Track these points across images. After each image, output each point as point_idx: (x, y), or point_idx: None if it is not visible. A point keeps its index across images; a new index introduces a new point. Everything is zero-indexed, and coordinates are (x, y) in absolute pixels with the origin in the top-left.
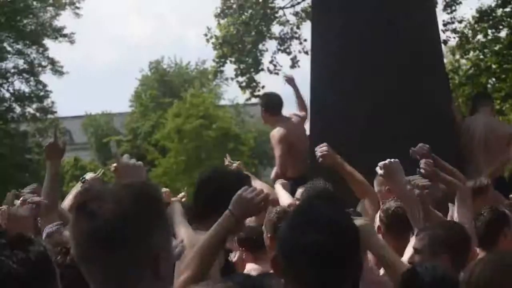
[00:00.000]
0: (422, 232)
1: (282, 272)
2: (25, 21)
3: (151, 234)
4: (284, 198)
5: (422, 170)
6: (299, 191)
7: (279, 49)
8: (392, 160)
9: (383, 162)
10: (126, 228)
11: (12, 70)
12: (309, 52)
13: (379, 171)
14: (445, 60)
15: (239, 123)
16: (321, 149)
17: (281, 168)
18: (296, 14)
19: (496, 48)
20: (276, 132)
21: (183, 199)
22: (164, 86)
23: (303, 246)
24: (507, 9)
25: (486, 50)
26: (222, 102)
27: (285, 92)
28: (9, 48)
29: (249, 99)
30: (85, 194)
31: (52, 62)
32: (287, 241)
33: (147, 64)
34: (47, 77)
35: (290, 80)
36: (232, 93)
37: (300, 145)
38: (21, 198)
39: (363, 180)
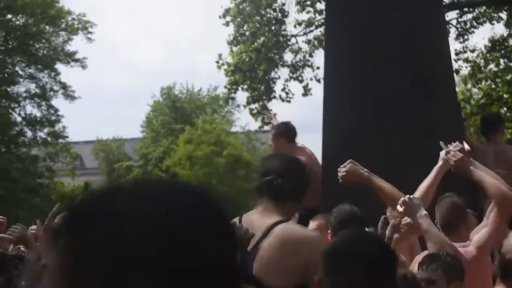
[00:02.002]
0: (433, 263)
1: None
2: (37, 46)
3: None
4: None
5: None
6: (312, 223)
7: (291, 77)
8: (411, 196)
9: (403, 199)
10: None
11: (24, 94)
12: (321, 80)
13: (400, 208)
14: (457, 89)
15: (250, 150)
16: (342, 169)
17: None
18: (308, 42)
19: (508, 77)
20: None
21: None
22: (175, 112)
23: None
24: None
25: (498, 80)
26: (234, 129)
27: (297, 120)
28: (21, 72)
29: (261, 126)
30: None
31: (64, 86)
32: (338, 250)
33: (158, 90)
34: (58, 102)
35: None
36: (243, 119)
37: (316, 174)
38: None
39: (394, 192)
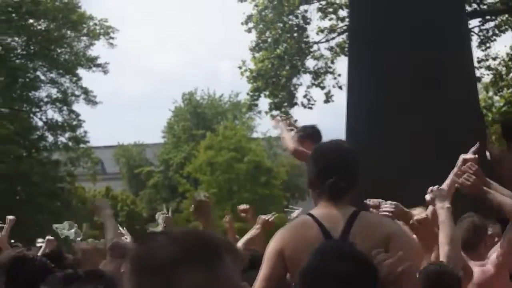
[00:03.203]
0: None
1: None
2: (59, 51)
3: None
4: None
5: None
6: None
7: (313, 84)
8: (440, 187)
9: (432, 187)
10: None
11: (45, 99)
12: (343, 87)
13: (427, 196)
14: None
15: (271, 156)
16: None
17: None
18: (330, 49)
19: None
20: None
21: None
22: (197, 118)
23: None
24: None
25: None
26: (255, 135)
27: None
28: (42, 77)
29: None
30: (139, 246)
31: (86, 91)
32: (314, 270)
33: (179, 96)
34: (80, 107)
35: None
36: (264, 126)
37: None
38: None
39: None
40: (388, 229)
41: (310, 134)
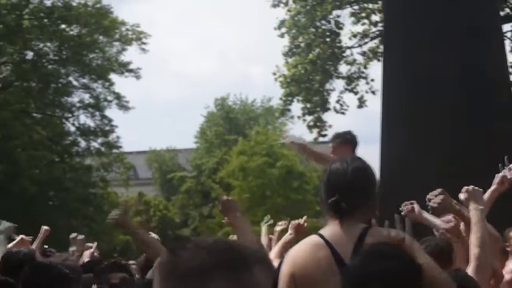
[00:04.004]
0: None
1: None
2: (91, 56)
3: None
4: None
5: None
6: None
7: (346, 89)
8: (477, 188)
9: (467, 187)
10: None
11: (78, 105)
12: (376, 92)
13: (462, 196)
14: None
15: (303, 162)
16: (434, 201)
17: None
18: (363, 53)
19: None
20: None
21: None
22: (229, 123)
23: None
24: None
25: None
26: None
27: (355, 132)
28: (75, 83)
29: (316, 138)
30: (168, 253)
31: (118, 97)
32: (357, 269)
33: (211, 101)
34: (112, 112)
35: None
36: (297, 130)
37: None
38: None
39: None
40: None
41: (349, 140)
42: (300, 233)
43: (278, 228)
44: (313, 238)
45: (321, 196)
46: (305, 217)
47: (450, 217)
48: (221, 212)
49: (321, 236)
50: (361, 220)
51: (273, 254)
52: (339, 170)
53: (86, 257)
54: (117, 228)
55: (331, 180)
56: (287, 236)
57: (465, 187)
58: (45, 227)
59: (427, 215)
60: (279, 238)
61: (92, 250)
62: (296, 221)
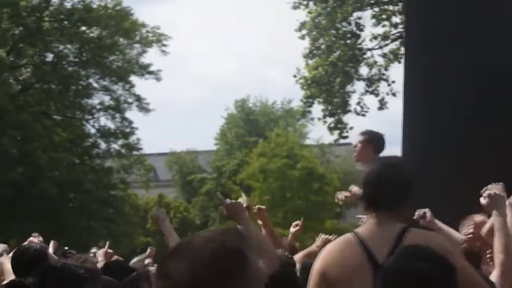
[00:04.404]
0: None
1: None
2: (111, 58)
3: None
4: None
5: None
6: None
7: (366, 91)
8: (499, 193)
9: (489, 192)
10: None
11: (98, 106)
12: (397, 94)
13: (483, 200)
14: None
15: (324, 163)
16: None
17: None
18: (384, 55)
19: None
20: None
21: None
22: (249, 125)
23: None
24: None
25: None
26: (307, 142)
27: None
28: (95, 85)
29: (337, 140)
30: (169, 249)
31: (138, 99)
32: (391, 270)
33: (231, 103)
34: (132, 114)
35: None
36: (317, 132)
37: None
38: None
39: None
40: (440, 250)
41: (374, 139)
42: None
43: (292, 229)
44: (347, 236)
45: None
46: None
47: (473, 220)
48: (227, 215)
49: (356, 234)
50: (400, 219)
51: (296, 258)
52: (375, 166)
53: (99, 256)
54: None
55: (368, 176)
56: (314, 247)
57: (487, 192)
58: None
59: (441, 225)
60: (293, 238)
61: (105, 249)
62: (327, 237)
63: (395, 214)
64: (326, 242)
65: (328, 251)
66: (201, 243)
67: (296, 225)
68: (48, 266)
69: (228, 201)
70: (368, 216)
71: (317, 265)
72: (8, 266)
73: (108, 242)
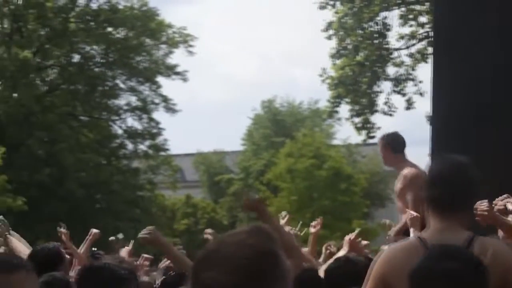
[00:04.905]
0: None
1: None
2: (138, 59)
3: None
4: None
5: None
6: None
7: (394, 90)
8: None
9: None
10: None
11: (125, 107)
12: (424, 94)
13: (510, 206)
14: None
15: (351, 163)
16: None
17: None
18: (411, 55)
19: None
20: (409, 172)
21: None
22: (276, 125)
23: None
24: None
25: None
26: (334, 142)
27: (402, 135)
28: (122, 85)
29: (365, 140)
30: (199, 257)
31: (165, 99)
32: (420, 270)
33: (258, 103)
34: (159, 115)
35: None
36: (344, 132)
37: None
38: None
39: None
40: (507, 261)
41: (389, 142)
42: (356, 249)
43: (312, 230)
44: (412, 241)
45: (424, 196)
46: (356, 231)
47: None
48: (244, 209)
49: (421, 239)
50: (464, 222)
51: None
52: (440, 165)
53: (123, 254)
54: (148, 245)
55: (433, 175)
56: (341, 252)
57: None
58: (94, 230)
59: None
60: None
61: (129, 247)
62: (348, 237)
63: (461, 217)
64: (353, 245)
65: (390, 255)
66: (234, 249)
67: (315, 226)
68: (88, 266)
69: (251, 198)
70: (432, 220)
71: (378, 269)
72: (16, 244)
73: (132, 241)
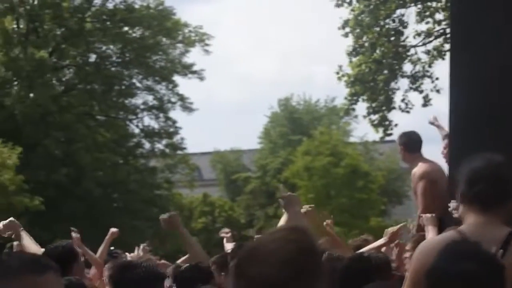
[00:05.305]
0: None
1: None
2: (154, 58)
3: None
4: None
5: None
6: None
7: (410, 88)
8: None
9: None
10: None
11: (142, 106)
12: (441, 91)
13: None
14: None
15: (368, 161)
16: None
17: (425, 207)
18: (428, 52)
19: None
20: (418, 169)
21: None
22: (293, 123)
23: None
24: None
25: None
26: (351, 140)
27: (419, 132)
28: (138, 84)
29: (382, 137)
30: (241, 252)
31: (182, 98)
32: (437, 271)
33: (274, 101)
34: (176, 113)
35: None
36: (361, 130)
37: (444, 183)
38: None
39: None
40: None
41: (402, 142)
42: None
43: (330, 230)
44: (452, 234)
45: (460, 191)
46: (401, 225)
47: None
48: (284, 206)
49: (461, 232)
50: (503, 218)
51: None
52: (482, 161)
53: (141, 252)
54: (167, 228)
55: (473, 173)
56: (381, 241)
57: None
58: (113, 229)
59: None
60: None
61: (145, 244)
62: (391, 229)
63: (500, 213)
64: (393, 237)
65: (428, 249)
66: (277, 244)
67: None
68: (123, 263)
69: (288, 193)
70: (472, 216)
71: (416, 263)
72: (28, 241)
73: (147, 241)
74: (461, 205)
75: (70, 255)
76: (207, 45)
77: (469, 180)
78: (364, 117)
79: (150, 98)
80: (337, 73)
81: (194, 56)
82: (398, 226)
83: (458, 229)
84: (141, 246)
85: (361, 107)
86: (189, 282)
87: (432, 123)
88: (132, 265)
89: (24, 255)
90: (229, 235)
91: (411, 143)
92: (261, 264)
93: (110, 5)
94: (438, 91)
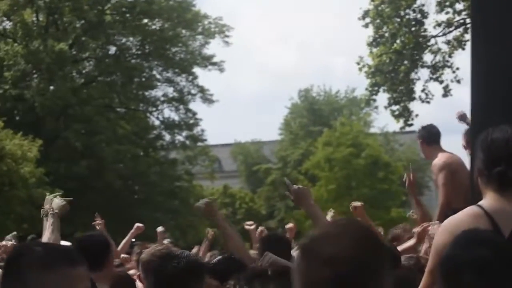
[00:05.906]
0: None
1: None
2: (174, 50)
3: (383, 280)
4: None
5: None
6: None
7: (431, 78)
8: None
9: None
10: (367, 275)
11: (162, 98)
12: (461, 81)
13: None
14: None
15: (388, 152)
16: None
17: (446, 197)
18: (448, 42)
19: None
20: (438, 160)
21: None
22: (313, 115)
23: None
24: None
25: None
26: (372, 131)
27: (436, 121)
28: (158, 76)
29: (403, 127)
30: (311, 237)
31: (202, 90)
32: (450, 258)
33: (294, 92)
34: (196, 105)
35: (463, 117)
36: (381, 121)
37: (464, 174)
38: None
39: None
40: None
41: (421, 135)
42: (422, 240)
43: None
44: (473, 209)
45: (478, 166)
46: (437, 223)
47: None
48: (294, 201)
49: (482, 207)
50: None
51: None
52: (503, 139)
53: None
54: (204, 215)
55: (496, 149)
56: (410, 242)
57: None
58: (139, 224)
59: None
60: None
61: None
62: (417, 229)
63: None
64: (422, 235)
65: (452, 223)
66: (347, 228)
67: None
68: (165, 255)
69: (295, 186)
70: (493, 194)
71: (440, 238)
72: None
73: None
74: (479, 179)
75: (105, 245)
76: (227, 36)
77: (488, 160)
78: (385, 107)
79: (170, 90)
80: (358, 63)
81: (214, 47)
82: (422, 226)
83: (479, 204)
84: (158, 230)
85: (382, 97)
86: (223, 274)
87: (463, 121)
88: (172, 256)
89: (59, 247)
90: (253, 227)
91: (430, 136)
92: (335, 245)
93: None
94: (458, 81)
